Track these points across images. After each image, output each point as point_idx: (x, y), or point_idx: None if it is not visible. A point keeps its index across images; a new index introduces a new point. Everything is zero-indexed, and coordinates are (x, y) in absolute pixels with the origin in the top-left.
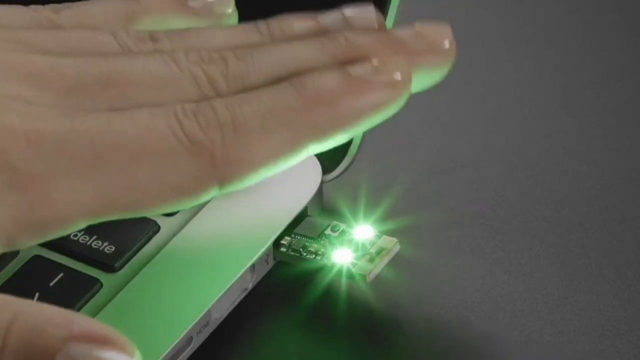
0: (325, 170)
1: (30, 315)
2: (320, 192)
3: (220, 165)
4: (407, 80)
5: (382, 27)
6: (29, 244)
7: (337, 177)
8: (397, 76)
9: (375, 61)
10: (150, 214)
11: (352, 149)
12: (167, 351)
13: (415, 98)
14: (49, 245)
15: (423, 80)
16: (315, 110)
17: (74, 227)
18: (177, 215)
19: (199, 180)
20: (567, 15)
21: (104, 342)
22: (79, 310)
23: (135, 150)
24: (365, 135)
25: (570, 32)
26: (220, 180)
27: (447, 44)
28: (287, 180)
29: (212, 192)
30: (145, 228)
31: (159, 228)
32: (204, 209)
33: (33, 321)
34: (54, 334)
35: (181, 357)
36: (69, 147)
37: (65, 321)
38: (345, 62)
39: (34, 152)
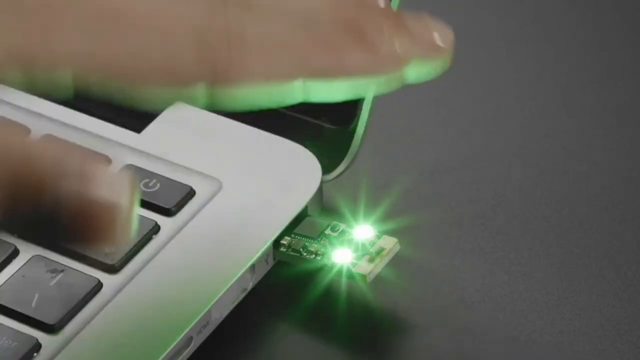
0: (325, 170)
1: (23, 145)
2: (320, 192)
3: (218, 68)
4: (407, 58)
5: (388, 6)
6: (6, 73)
7: (337, 177)
8: (400, 51)
9: (384, 31)
10: (132, 91)
11: (352, 149)
12: (167, 351)
13: (415, 97)
14: (49, 245)
15: (416, 71)
16: (320, 52)
17: (58, 76)
18: (177, 216)
19: (193, 73)
20: (567, 15)
21: (100, 170)
22: (79, 310)
23: (147, 24)
24: (365, 134)
25: (570, 32)
26: (213, 80)
27: (447, 41)
28: (287, 180)
29: (199, 91)
30: (145, 228)
31: (159, 228)
32: (204, 208)
33: (31, 141)
34: (51, 155)
35: (181, 357)
36: (83, 4)
37: (64, 145)
38: (354, 26)
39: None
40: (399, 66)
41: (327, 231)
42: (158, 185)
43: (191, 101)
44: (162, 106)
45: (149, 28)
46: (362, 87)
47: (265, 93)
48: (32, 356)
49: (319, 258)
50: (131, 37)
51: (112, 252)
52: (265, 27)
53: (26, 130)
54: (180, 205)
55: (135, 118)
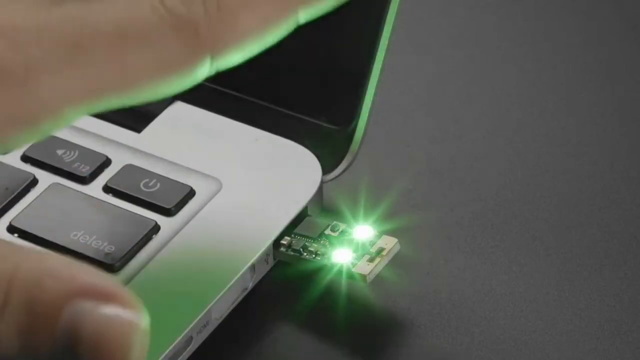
0: (325, 170)
1: (32, 269)
2: (320, 192)
3: (205, 36)
4: None
5: None
6: (21, 143)
7: (337, 177)
8: None
9: None
10: (144, 97)
11: (353, 149)
12: (167, 351)
13: (415, 97)
14: (49, 245)
15: None
16: None
17: (65, 120)
18: (177, 216)
19: (187, 54)
20: (567, 15)
21: (109, 297)
22: None
23: (116, 33)
24: (365, 134)
25: (570, 32)
26: (209, 52)
27: None
28: (287, 180)
29: (205, 67)
30: (145, 228)
31: (159, 228)
32: (204, 208)
33: (35, 276)
34: (57, 290)
35: (181, 357)
36: (47, 38)
37: (69, 275)
38: None
39: (10, 47)
40: None
41: (327, 231)
42: (158, 185)
43: (199, 79)
44: (176, 93)
45: (123, 35)
46: None
47: (262, 37)
48: None
49: (319, 258)
50: (112, 52)
51: (112, 252)
52: None
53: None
54: (180, 205)
55: (135, 118)
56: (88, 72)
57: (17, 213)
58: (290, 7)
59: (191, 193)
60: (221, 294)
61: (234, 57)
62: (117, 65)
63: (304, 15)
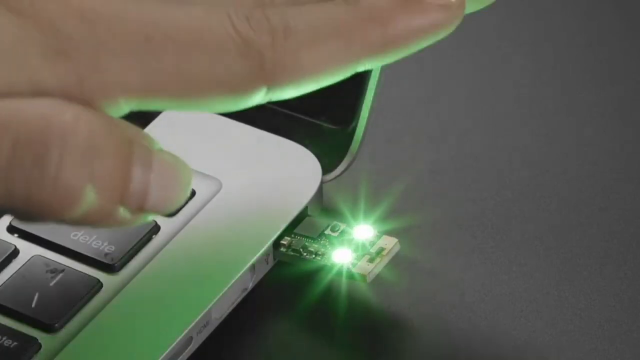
0: (325, 170)
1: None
2: (320, 192)
3: (268, 68)
4: (461, 1)
5: None
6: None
7: (337, 177)
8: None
9: None
10: (195, 107)
11: (352, 149)
12: (167, 351)
13: (415, 97)
14: (49, 245)
15: (474, 3)
16: (368, 28)
17: (116, 110)
18: (177, 216)
19: (246, 79)
20: (567, 15)
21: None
22: (79, 310)
23: (186, 40)
24: (365, 134)
25: (570, 32)
26: (268, 83)
27: None
28: (287, 180)
29: (260, 95)
30: (145, 228)
31: (159, 228)
32: (205, 208)
33: None
34: None
35: (181, 357)
36: (121, 27)
37: None
38: None
39: (86, 27)
40: (455, 12)
41: (327, 231)
42: None
43: (250, 104)
44: (224, 111)
45: (192, 44)
46: (420, 43)
47: (323, 79)
48: (32, 356)
49: (319, 258)
50: (177, 56)
51: (112, 252)
52: (308, 15)
53: None
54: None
55: (135, 118)
56: (150, 67)
57: None
58: (356, 56)
59: (191, 193)
60: (221, 294)
61: (289, 92)
62: (178, 69)
63: (365, 65)
